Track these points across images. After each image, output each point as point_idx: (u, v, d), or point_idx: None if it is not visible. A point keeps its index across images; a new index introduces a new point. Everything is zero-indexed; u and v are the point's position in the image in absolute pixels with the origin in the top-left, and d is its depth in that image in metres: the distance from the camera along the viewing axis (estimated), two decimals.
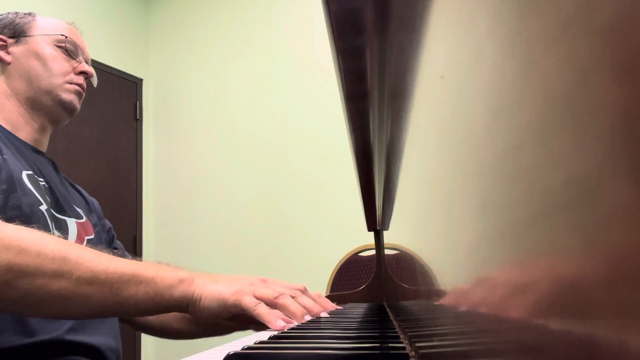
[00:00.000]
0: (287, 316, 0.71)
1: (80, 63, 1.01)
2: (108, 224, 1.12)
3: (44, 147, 0.99)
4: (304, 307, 0.75)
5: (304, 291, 0.80)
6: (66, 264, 0.63)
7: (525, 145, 0.13)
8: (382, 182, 0.87)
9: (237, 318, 0.74)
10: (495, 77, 0.16)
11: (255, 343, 0.54)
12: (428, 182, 0.36)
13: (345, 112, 0.63)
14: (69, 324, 0.82)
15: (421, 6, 0.31)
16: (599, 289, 0.09)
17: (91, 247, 0.69)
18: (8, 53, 0.96)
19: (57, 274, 0.62)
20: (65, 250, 0.64)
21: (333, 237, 2.69)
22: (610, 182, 0.08)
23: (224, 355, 0.44)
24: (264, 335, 0.62)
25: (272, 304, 0.72)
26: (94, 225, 1.00)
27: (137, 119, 3.42)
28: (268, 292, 0.73)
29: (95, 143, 3.10)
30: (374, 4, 0.41)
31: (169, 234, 3.32)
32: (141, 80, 3.46)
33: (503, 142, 0.15)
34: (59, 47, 0.99)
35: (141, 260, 0.76)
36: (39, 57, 0.96)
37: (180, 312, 0.71)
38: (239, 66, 3.19)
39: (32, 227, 0.66)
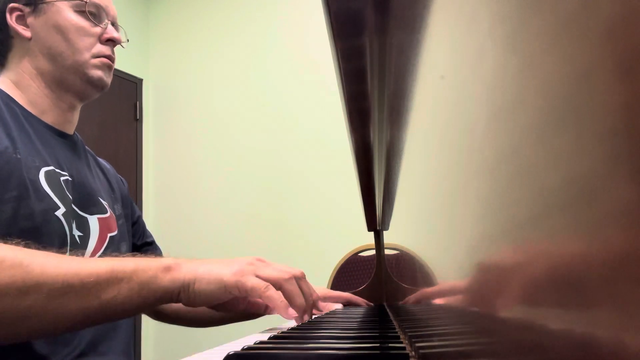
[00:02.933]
0: (292, 306, 0.66)
1: (106, 27, 0.91)
2: (137, 211, 1.04)
3: (73, 125, 0.93)
4: (306, 295, 0.69)
5: (303, 277, 0.73)
6: (30, 277, 0.56)
7: (525, 145, 0.13)
8: (382, 182, 0.87)
9: (229, 306, 0.68)
10: (495, 77, 0.16)
11: (255, 343, 0.55)
12: (428, 182, 0.36)
13: (345, 112, 0.63)
14: (80, 346, 0.76)
15: (421, 6, 0.31)
16: (598, 289, 0.09)
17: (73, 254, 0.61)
18: (27, 26, 0.87)
19: (22, 291, 0.55)
20: (27, 262, 0.56)
21: (333, 237, 2.69)
22: (610, 182, 0.08)
23: (224, 355, 0.44)
24: (263, 336, 0.62)
25: (277, 287, 0.66)
26: (118, 218, 0.93)
27: (137, 119, 3.42)
28: (273, 273, 0.67)
29: (95, 143, 3.10)
30: (374, 4, 0.41)
31: (169, 234, 3.31)
32: (141, 80, 3.46)
33: (503, 142, 0.15)
34: (80, 12, 0.88)
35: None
36: (59, 29, 0.87)
37: (171, 302, 0.64)
38: (240, 66, 3.19)
39: (26, 244, 0.59)
